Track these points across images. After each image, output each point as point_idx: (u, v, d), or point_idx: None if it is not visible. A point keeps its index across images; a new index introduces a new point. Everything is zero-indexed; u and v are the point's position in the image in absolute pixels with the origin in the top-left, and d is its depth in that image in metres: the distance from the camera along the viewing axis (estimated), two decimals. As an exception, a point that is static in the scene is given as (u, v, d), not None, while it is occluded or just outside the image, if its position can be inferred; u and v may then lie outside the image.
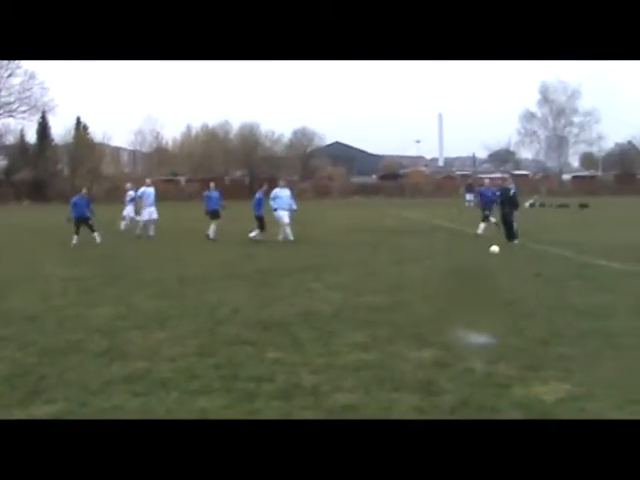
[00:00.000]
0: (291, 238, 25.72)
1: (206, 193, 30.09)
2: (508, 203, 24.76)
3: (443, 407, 6.90)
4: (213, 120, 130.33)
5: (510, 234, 24.33)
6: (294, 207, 26.45)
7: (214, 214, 28.58)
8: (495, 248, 19.76)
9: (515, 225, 24.63)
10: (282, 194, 26.43)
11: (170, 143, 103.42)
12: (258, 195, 27.38)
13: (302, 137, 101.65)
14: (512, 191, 25.33)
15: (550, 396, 7.24)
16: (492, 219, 27.66)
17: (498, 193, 26.08)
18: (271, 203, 26.02)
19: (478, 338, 9.85)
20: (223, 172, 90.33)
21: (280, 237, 25.92)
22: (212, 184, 30.84)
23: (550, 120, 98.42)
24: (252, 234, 26.00)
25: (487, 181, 30.76)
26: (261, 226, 26.18)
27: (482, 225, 27.04)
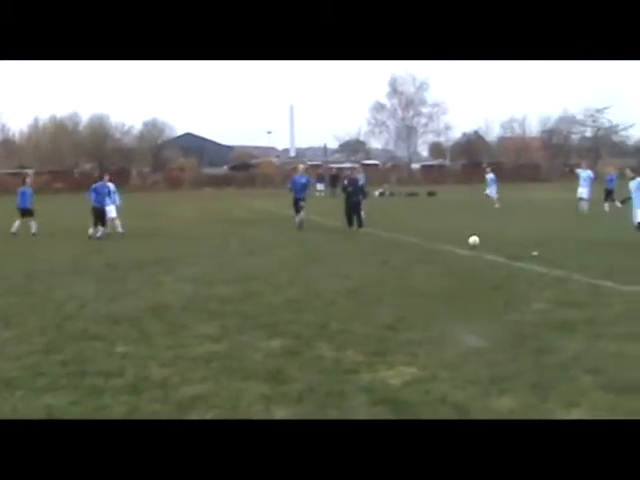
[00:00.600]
0: (121, 230, 25.31)
1: (21, 189, 27.45)
2: (357, 192, 25.20)
3: (291, 395, 6.98)
4: (61, 112, 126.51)
5: (359, 223, 24.80)
6: (117, 202, 25.82)
7: (25, 212, 26.81)
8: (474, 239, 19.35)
9: (363, 214, 25.14)
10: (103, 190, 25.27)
11: (17, 135, 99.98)
12: (96, 186, 25.66)
13: (153, 128, 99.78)
14: (360, 181, 25.89)
15: (396, 380, 7.43)
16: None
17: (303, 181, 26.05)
18: (91, 196, 24.86)
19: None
20: (72, 164, 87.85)
21: (107, 231, 25.12)
22: (28, 179, 29.35)
23: (399, 111, 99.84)
24: (91, 231, 24.62)
25: (301, 166, 30.10)
26: (100, 220, 24.82)
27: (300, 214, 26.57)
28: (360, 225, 24.97)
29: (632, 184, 18.11)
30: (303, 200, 26.59)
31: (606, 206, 31.49)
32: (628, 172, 19.91)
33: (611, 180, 32.72)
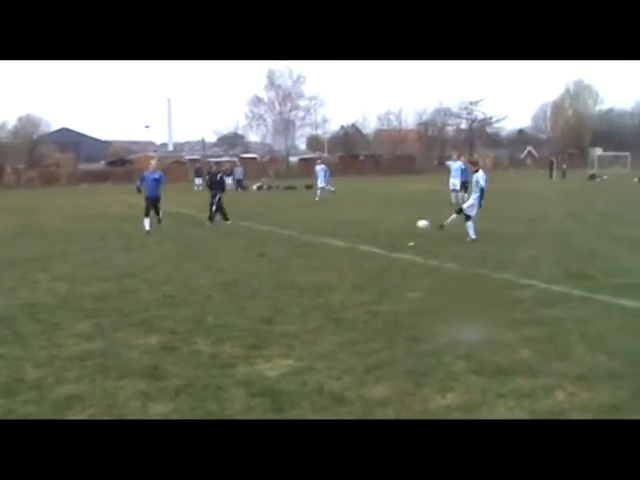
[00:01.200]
0: None
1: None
2: (214, 186, 25.98)
3: (169, 390, 6.97)
4: None
5: (210, 216, 25.68)
6: None
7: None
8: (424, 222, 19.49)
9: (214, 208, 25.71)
10: None
11: None
12: None
13: (27, 124, 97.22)
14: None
15: (273, 372, 7.52)
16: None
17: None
18: None
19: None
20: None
21: None
22: (154, 162, 26.08)
23: (277, 104, 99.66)
24: None
25: (153, 162, 26.48)
26: None
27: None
28: (210, 219, 25.60)
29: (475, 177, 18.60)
30: (158, 200, 23.30)
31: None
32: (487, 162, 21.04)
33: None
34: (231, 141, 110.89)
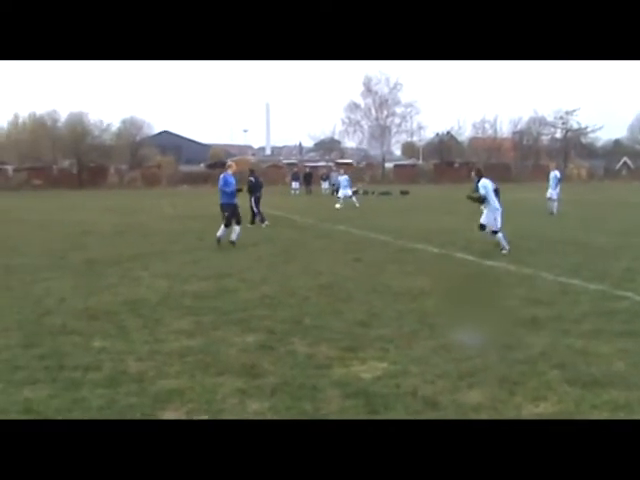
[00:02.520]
0: None
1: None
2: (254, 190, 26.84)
3: (265, 388, 7.02)
4: (41, 109, 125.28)
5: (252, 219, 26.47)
6: None
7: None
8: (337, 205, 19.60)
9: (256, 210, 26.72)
10: None
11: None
12: None
13: (131, 126, 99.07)
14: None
15: (368, 374, 7.49)
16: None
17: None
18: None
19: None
20: (51, 161, 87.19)
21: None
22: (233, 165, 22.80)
23: (373, 111, 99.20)
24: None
25: (234, 165, 23.86)
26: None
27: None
28: (252, 222, 26.37)
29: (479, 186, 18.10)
30: (235, 206, 20.14)
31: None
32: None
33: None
34: (327, 146, 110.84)
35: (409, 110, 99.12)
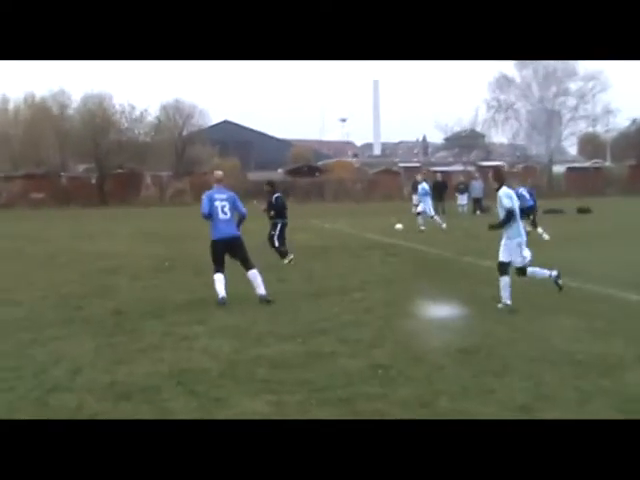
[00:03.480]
0: None
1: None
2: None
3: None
4: (42, 89, 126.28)
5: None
6: None
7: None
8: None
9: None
10: None
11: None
12: None
13: (175, 114, 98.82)
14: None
15: None
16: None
17: None
18: None
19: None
20: (58, 165, 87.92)
21: None
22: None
23: (534, 88, 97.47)
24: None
25: (219, 173, 21.34)
26: None
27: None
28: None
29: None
30: (240, 243, 18.97)
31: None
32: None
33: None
34: (465, 142, 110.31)
35: (590, 86, 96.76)
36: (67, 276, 23.88)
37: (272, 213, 26.63)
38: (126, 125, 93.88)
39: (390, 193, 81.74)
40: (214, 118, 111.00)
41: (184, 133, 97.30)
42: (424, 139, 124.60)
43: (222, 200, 18.55)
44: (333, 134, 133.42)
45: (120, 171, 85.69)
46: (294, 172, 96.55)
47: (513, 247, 17.20)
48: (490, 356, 12.50)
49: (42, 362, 12.51)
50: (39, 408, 10.00)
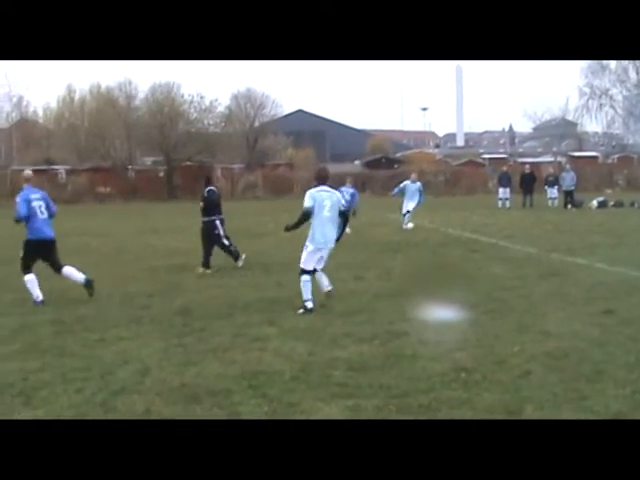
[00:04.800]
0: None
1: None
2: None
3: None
4: (108, 79, 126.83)
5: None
6: None
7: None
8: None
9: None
10: None
11: (40, 113, 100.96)
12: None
13: (247, 103, 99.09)
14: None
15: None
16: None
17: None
18: None
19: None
20: (125, 158, 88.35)
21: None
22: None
23: (632, 71, 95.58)
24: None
25: (27, 173, 21.58)
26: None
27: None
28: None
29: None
30: (52, 246, 19.40)
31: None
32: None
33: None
34: (556, 132, 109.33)
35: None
36: (133, 273, 24.17)
37: (201, 204, 25.53)
38: (195, 116, 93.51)
39: (474, 186, 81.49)
40: (288, 108, 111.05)
41: (256, 124, 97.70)
42: (510, 128, 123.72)
43: (38, 200, 19.08)
44: (414, 124, 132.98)
45: (189, 164, 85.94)
46: (372, 164, 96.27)
47: None
48: (580, 360, 12.36)
49: (109, 363, 12.65)
50: (106, 411, 10.10)
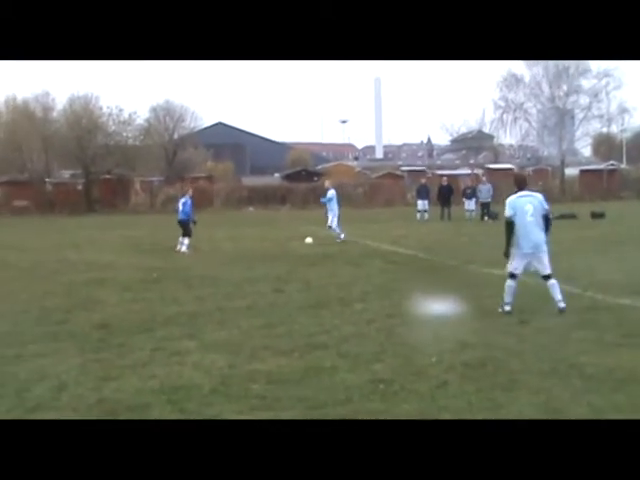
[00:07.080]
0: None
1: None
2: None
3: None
4: (25, 91, 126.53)
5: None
6: None
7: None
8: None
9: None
10: None
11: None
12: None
13: (166, 116, 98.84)
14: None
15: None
16: None
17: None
18: None
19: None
20: (43, 171, 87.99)
21: None
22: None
23: (545, 86, 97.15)
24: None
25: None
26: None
27: None
28: None
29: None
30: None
31: None
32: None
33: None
34: (473, 144, 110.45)
35: (604, 83, 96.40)
36: (51, 288, 23.91)
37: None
38: (114, 128, 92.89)
39: (393, 198, 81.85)
40: (207, 120, 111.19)
41: (175, 136, 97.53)
42: (429, 141, 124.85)
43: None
44: (334, 137, 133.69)
45: (108, 177, 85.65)
46: (292, 177, 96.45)
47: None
48: (496, 369, 12.52)
49: (24, 379, 12.52)
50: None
